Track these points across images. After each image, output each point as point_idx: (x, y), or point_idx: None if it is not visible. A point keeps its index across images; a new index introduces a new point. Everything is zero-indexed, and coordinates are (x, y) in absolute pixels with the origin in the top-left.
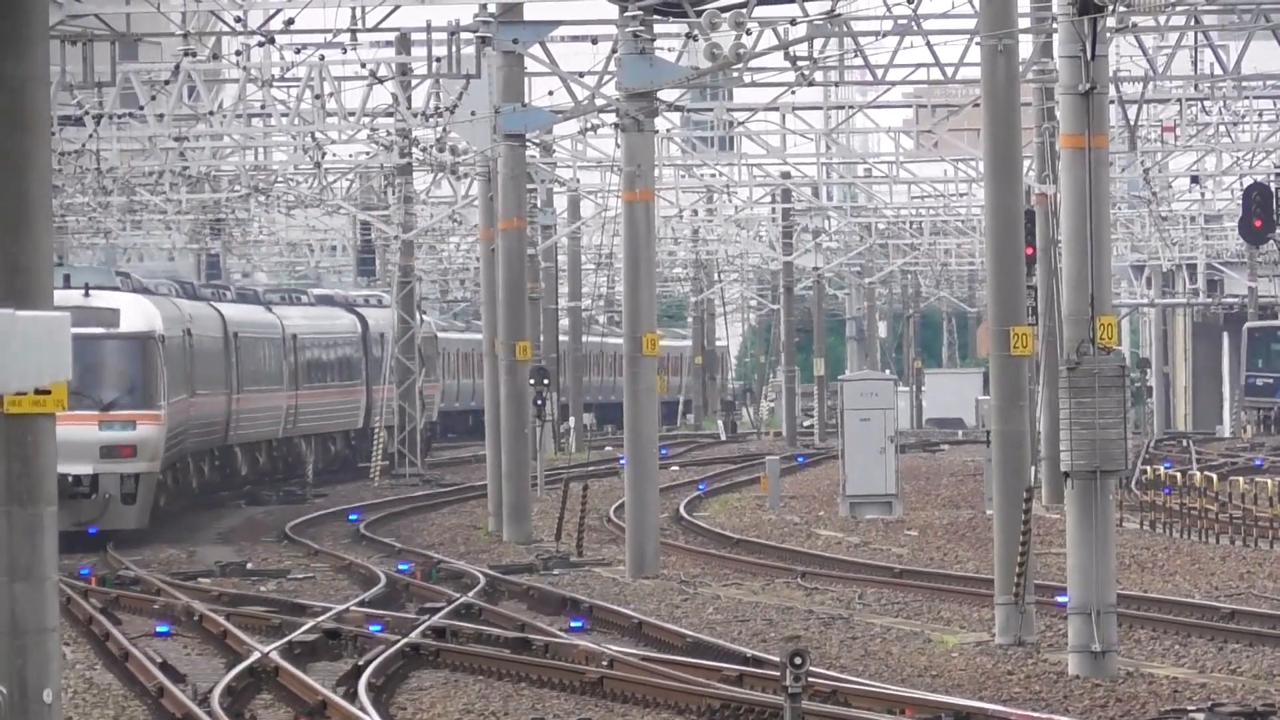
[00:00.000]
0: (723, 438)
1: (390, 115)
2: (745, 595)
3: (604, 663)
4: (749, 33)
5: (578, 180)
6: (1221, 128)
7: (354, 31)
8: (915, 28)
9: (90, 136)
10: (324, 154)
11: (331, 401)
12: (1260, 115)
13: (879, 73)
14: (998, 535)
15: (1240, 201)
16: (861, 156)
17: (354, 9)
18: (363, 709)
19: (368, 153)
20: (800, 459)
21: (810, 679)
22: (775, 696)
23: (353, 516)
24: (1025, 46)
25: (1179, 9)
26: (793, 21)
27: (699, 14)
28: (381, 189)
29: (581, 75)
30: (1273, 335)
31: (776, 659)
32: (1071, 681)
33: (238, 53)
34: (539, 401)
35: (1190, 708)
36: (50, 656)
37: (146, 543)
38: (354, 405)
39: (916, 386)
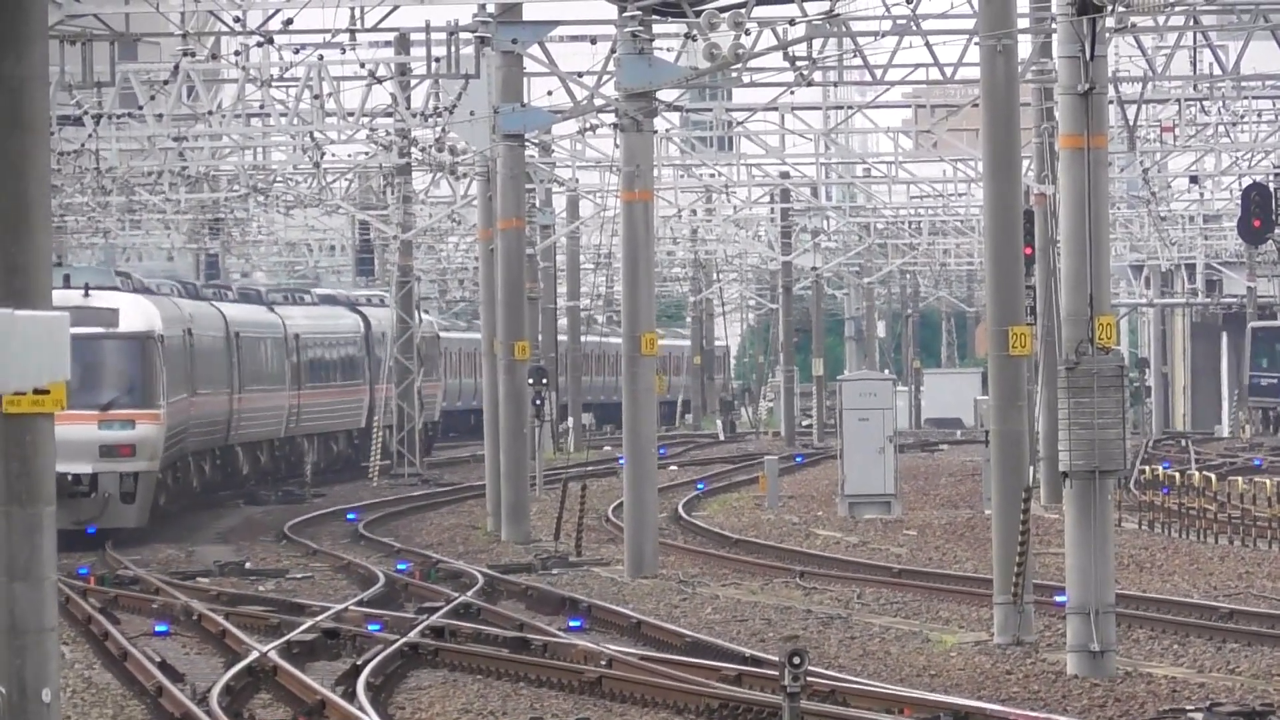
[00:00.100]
0: (721, 438)
1: (389, 115)
2: (744, 595)
3: (603, 662)
4: (748, 33)
5: (577, 180)
6: (1220, 128)
7: (353, 31)
8: (914, 28)
9: (89, 136)
10: (323, 154)
11: (334, 401)
12: (1259, 115)
13: (878, 73)
14: (996, 535)
15: (1239, 201)
16: (860, 156)
17: (353, 9)
18: (361, 708)
19: (367, 153)
20: (799, 459)
21: (809, 679)
22: (774, 696)
23: (351, 516)
24: (1024, 47)
25: (1178, 9)
26: (791, 21)
27: (698, 14)
28: (380, 189)
29: (580, 75)
30: (1277, 335)
31: (775, 659)
32: (1070, 681)
33: (237, 53)
34: (538, 401)
35: (1189, 707)
36: (49, 656)
37: (145, 542)
38: (357, 405)
39: (915, 386)
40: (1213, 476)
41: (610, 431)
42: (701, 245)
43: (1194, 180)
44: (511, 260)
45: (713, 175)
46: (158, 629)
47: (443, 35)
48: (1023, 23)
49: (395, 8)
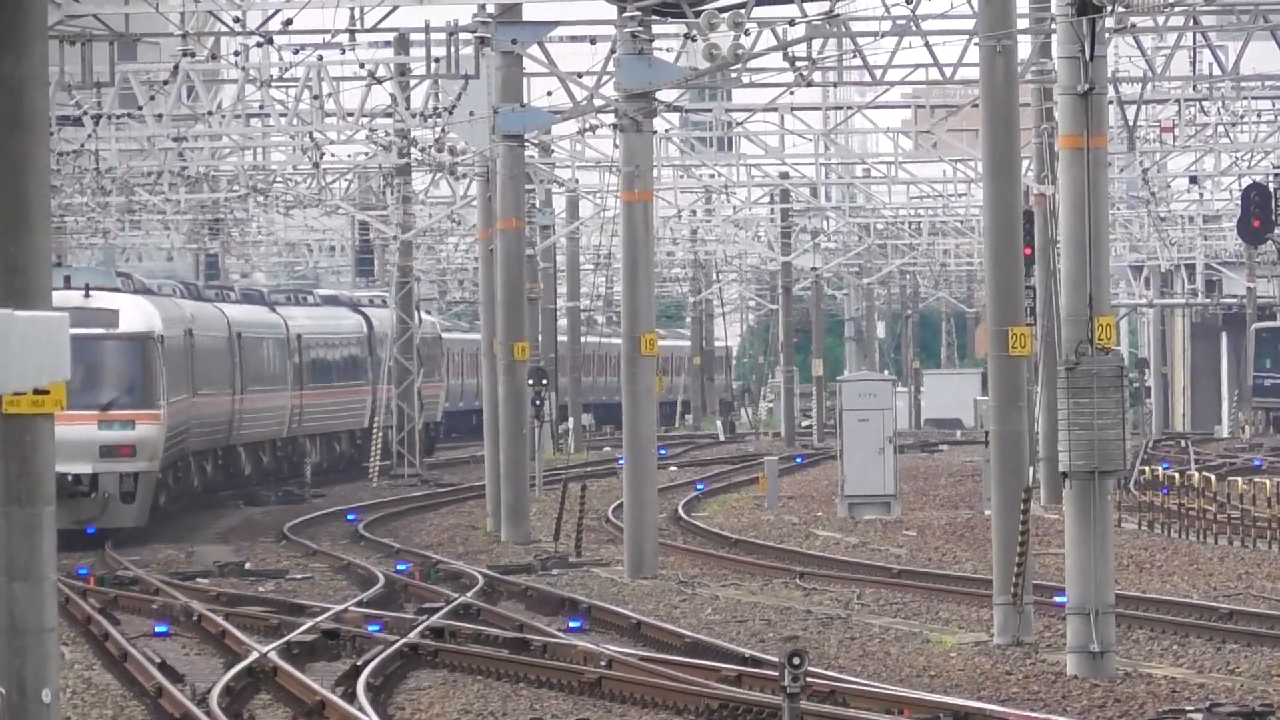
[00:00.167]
0: (721, 438)
1: (389, 115)
2: (744, 595)
3: (602, 663)
4: (747, 33)
5: (576, 180)
6: (1220, 128)
7: (352, 32)
8: (914, 28)
9: (89, 137)
10: (322, 154)
11: (337, 401)
12: (1259, 115)
13: (878, 73)
14: (996, 535)
15: (1239, 202)
16: (860, 157)
17: (352, 9)
18: (361, 709)
19: (366, 153)
20: (799, 459)
21: (809, 679)
22: (774, 697)
23: (351, 517)
24: (1024, 47)
25: (1177, 10)
26: (791, 22)
27: (697, 14)
28: (380, 189)
29: (580, 75)
30: None
31: (775, 659)
32: (1070, 682)
33: (236, 53)
34: (537, 402)
35: (1188, 708)
36: (49, 656)
37: (145, 542)
38: (359, 405)
39: (915, 387)
40: (1212, 477)
41: (610, 432)
42: (701, 245)
43: (1194, 180)
44: (511, 261)
45: (712, 175)
46: (157, 629)
47: (442, 35)
48: (1022, 23)
49: (395, 8)
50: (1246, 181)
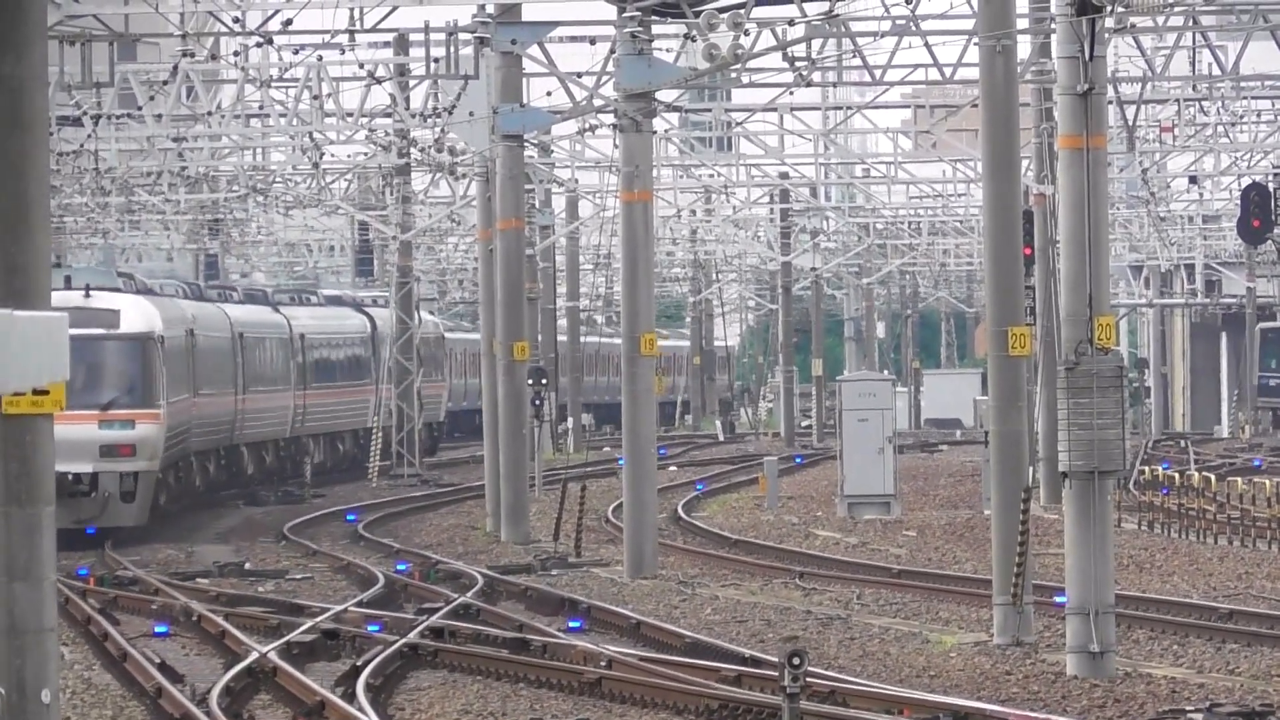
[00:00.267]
0: (721, 438)
1: (388, 116)
2: (743, 595)
3: (602, 663)
4: (747, 33)
5: (576, 180)
6: (1220, 128)
7: (352, 32)
8: (913, 28)
9: (89, 137)
10: (322, 154)
11: (339, 401)
12: (1258, 115)
13: (877, 73)
14: (996, 535)
15: (1238, 202)
16: (860, 157)
17: (352, 10)
18: (361, 709)
19: (366, 153)
20: (798, 459)
21: (808, 679)
22: (773, 697)
23: (351, 517)
24: (1024, 47)
25: (1177, 10)
26: (791, 22)
27: (697, 14)
28: (380, 189)
29: (580, 76)
30: None
31: (775, 659)
32: (1070, 682)
33: (236, 53)
34: (537, 402)
35: (1188, 708)
36: (48, 656)
37: (145, 542)
38: (362, 405)
39: (915, 387)
40: (1212, 477)
41: (610, 432)
42: (701, 245)
43: (1193, 180)
44: (511, 261)
45: (712, 176)
46: (157, 630)
47: (442, 36)
48: (1022, 23)
49: (394, 8)
50: (1246, 181)
